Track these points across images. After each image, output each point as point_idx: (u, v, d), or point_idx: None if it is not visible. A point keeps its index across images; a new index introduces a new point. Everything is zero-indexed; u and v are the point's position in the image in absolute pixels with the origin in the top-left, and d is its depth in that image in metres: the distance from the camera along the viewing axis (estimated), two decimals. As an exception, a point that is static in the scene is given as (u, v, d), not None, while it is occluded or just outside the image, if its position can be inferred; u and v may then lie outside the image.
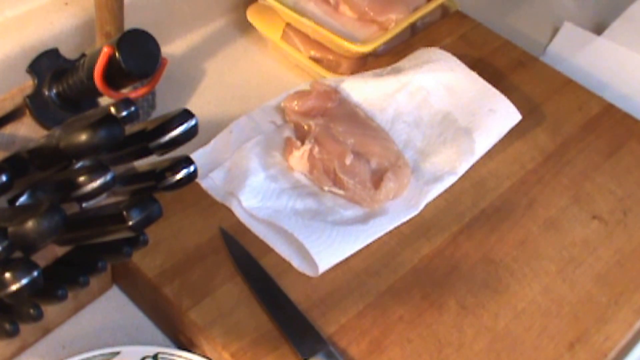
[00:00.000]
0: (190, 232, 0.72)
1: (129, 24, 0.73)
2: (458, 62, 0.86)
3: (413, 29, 0.95)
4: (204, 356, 0.66)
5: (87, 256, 0.57)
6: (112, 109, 0.51)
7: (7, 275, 0.45)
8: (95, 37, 0.80)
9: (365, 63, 0.90)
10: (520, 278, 0.72)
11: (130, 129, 0.54)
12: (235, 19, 0.99)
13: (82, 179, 0.48)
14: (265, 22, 0.94)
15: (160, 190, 0.54)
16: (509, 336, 0.68)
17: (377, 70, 0.87)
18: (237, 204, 0.73)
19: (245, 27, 0.97)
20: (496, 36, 0.96)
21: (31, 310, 0.52)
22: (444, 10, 0.99)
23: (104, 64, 0.51)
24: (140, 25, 0.55)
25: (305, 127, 0.79)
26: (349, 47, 0.86)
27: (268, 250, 0.71)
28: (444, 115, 0.83)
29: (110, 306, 0.71)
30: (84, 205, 0.55)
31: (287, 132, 0.80)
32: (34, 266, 0.45)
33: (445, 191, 0.78)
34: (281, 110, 0.82)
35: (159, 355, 0.66)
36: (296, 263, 0.70)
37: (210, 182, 0.75)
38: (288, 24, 0.91)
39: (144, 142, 0.53)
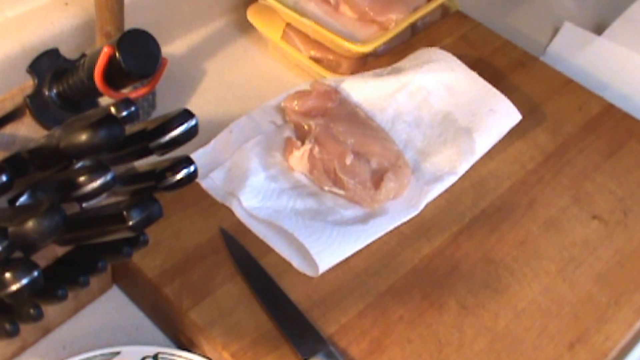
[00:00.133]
0: (190, 232, 0.72)
1: (129, 24, 0.73)
2: (458, 62, 0.86)
3: (413, 29, 0.95)
4: (204, 356, 0.66)
5: (87, 256, 0.57)
6: (112, 109, 0.51)
7: (7, 275, 0.45)
8: (95, 37, 0.80)
9: (365, 63, 0.90)
10: (521, 278, 0.72)
11: (130, 129, 0.54)
12: (236, 19, 0.99)
13: (82, 179, 0.48)
14: (266, 22, 0.94)
15: (161, 190, 0.54)
16: (509, 336, 0.68)
17: (378, 70, 0.87)
18: (238, 204, 0.73)
19: (245, 27, 0.97)
20: (496, 36, 0.96)
21: (31, 310, 0.52)
22: (444, 10, 0.99)
23: (104, 64, 0.51)
24: (140, 25, 0.55)
25: (306, 127, 0.79)
26: (349, 47, 0.86)
27: (268, 250, 0.71)
28: (444, 115, 0.83)
29: (110, 306, 0.71)
30: (84, 205, 0.55)
31: (287, 132, 0.80)
32: (34, 266, 0.45)
33: (446, 191, 0.78)
34: (281, 110, 0.82)
35: (159, 355, 0.66)
36: (296, 263, 0.70)
37: (211, 182, 0.75)
38: (288, 24, 0.91)
39: (144, 142, 0.53)
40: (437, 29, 0.96)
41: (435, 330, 0.68)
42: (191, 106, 0.66)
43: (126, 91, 0.54)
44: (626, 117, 0.88)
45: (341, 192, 0.75)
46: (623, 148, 0.84)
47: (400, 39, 0.92)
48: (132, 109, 0.52)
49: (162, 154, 0.54)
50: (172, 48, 0.94)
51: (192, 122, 0.53)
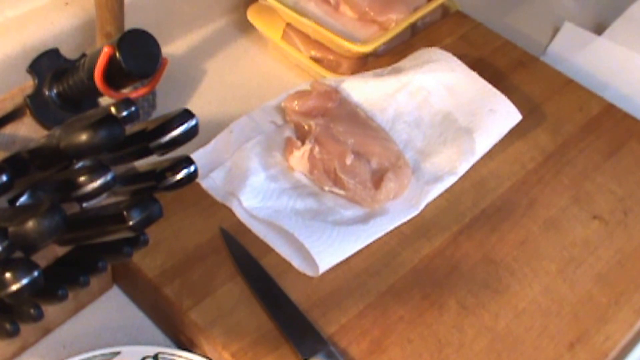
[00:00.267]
0: (190, 232, 0.72)
1: (130, 24, 0.73)
2: (458, 62, 0.86)
3: (413, 29, 0.95)
4: (204, 356, 0.66)
5: (88, 256, 0.57)
6: (113, 109, 0.51)
7: (8, 275, 0.45)
8: (95, 37, 0.80)
9: (365, 63, 0.90)
10: (521, 278, 0.72)
11: (130, 129, 0.54)
12: (236, 19, 0.99)
13: (82, 179, 0.48)
14: (266, 22, 0.94)
15: (161, 190, 0.54)
16: (510, 336, 0.68)
17: (378, 70, 0.87)
18: (238, 204, 0.73)
19: (245, 27, 0.97)
20: (496, 36, 0.96)
21: (32, 310, 0.52)
22: (444, 10, 0.99)
23: (104, 64, 0.51)
24: (140, 25, 0.55)
25: (306, 127, 0.79)
26: (350, 47, 0.86)
27: (268, 250, 0.71)
28: (445, 115, 0.83)
29: (110, 306, 0.71)
30: (84, 205, 0.55)
31: (288, 132, 0.80)
32: (35, 266, 0.45)
33: (446, 191, 0.78)
34: (281, 110, 0.82)
35: (160, 355, 0.66)
36: (296, 263, 0.70)
37: (211, 182, 0.75)
38: (288, 24, 0.91)
39: (145, 142, 0.53)
40: (437, 29, 0.96)
41: (435, 330, 0.68)
42: (191, 106, 0.66)
43: (126, 91, 0.54)
44: (626, 117, 0.88)
45: (341, 192, 0.75)
46: (623, 148, 0.84)
47: (401, 39, 0.92)
48: (132, 109, 0.52)
49: (162, 154, 0.54)
50: (172, 48, 0.94)
51: (192, 122, 0.53)
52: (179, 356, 0.66)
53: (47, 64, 0.57)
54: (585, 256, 0.74)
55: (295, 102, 0.81)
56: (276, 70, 0.95)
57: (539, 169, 0.81)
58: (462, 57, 0.87)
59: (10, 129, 0.57)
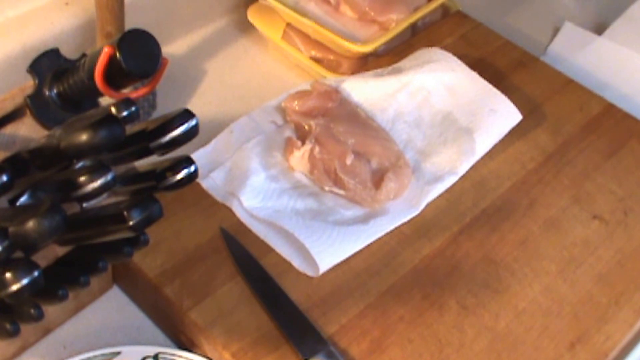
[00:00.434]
0: (190, 232, 0.72)
1: (130, 24, 0.73)
2: (459, 62, 0.86)
3: (414, 29, 0.95)
4: (204, 356, 0.66)
5: (88, 256, 0.57)
6: (113, 109, 0.51)
7: (8, 275, 0.45)
8: (95, 37, 0.80)
9: (366, 63, 0.90)
10: (521, 278, 0.72)
11: (130, 129, 0.54)
12: (236, 19, 0.99)
13: (82, 179, 0.48)
14: (266, 22, 0.94)
15: (161, 190, 0.54)
16: (510, 336, 0.68)
17: (378, 70, 0.87)
18: (238, 204, 0.73)
19: (245, 27, 0.97)
20: (497, 36, 0.96)
21: (32, 311, 0.52)
22: (444, 10, 0.99)
23: (104, 64, 0.51)
24: (141, 25, 0.55)
25: (306, 127, 0.79)
26: (350, 47, 0.86)
27: (269, 250, 0.71)
28: (445, 115, 0.83)
29: (110, 306, 0.71)
30: (84, 205, 0.55)
31: (288, 132, 0.80)
32: (35, 266, 0.45)
33: (446, 191, 0.78)
34: (282, 110, 0.82)
35: (160, 355, 0.66)
36: (297, 263, 0.70)
37: (211, 182, 0.75)
38: (289, 24, 0.91)
39: (145, 142, 0.53)
40: (438, 29, 0.96)
41: (435, 330, 0.68)
42: (191, 106, 0.66)
43: (127, 91, 0.54)
44: (627, 117, 0.88)
45: (342, 192, 0.75)
46: (623, 148, 0.84)
47: (401, 39, 0.92)
48: (133, 109, 0.52)
49: (163, 154, 0.54)
50: (172, 48, 0.94)
51: (193, 122, 0.53)
52: (179, 356, 0.66)
53: (48, 64, 0.57)
54: (585, 256, 0.74)
55: (296, 102, 0.81)
56: (276, 70, 0.95)
57: (539, 169, 0.81)
58: (463, 57, 0.87)
59: (10, 129, 0.57)
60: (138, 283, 0.70)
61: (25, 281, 0.45)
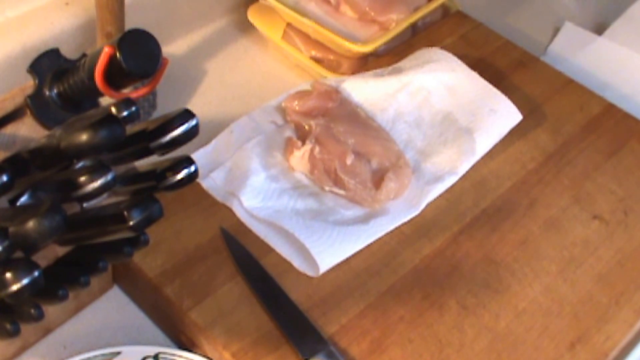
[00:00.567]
0: (191, 232, 0.72)
1: (130, 24, 0.73)
2: (459, 62, 0.86)
3: (414, 29, 0.95)
4: (204, 356, 0.66)
5: (88, 256, 0.57)
6: (113, 109, 0.51)
7: (8, 275, 0.45)
8: (96, 37, 0.80)
9: (366, 63, 0.90)
10: (521, 278, 0.72)
11: (131, 129, 0.54)
12: (236, 19, 0.99)
13: (83, 179, 0.48)
14: (266, 22, 0.94)
15: (161, 190, 0.54)
16: (510, 336, 0.68)
17: (378, 70, 0.87)
18: (238, 204, 0.73)
19: (246, 27, 0.97)
20: (497, 36, 0.96)
21: (32, 310, 0.52)
22: (444, 10, 0.99)
23: (104, 64, 0.51)
24: (141, 25, 0.55)
25: (306, 127, 0.79)
26: (350, 47, 0.86)
27: (269, 250, 0.71)
28: (445, 115, 0.83)
29: (111, 306, 0.71)
30: (84, 205, 0.55)
31: (288, 132, 0.80)
32: (35, 266, 0.45)
33: (446, 191, 0.78)
34: (282, 110, 0.82)
35: (160, 355, 0.66)
36: (297, 263, 0.70)
37: (211, 182, 0.75)
38: (289, 24, 0.91)
39: (145, 142, 0.53)
40: (438, 29, 0.96)
41: (435, 330, 0.68)
42: (192, 106, 0.66)
43: (127, 91, 0.54)
44: (627, 117, 0.88)
45: (342, 192, 0.75)
46: (624, 148, 0.84)
47: (401, 39, 0.92)
48: (133, 109, 0.52)
49: (163, 154, 0.54)
50: (172, 48, 0.94)
51: (193, 122, 0.53)
52: (180, 356, 0.66)
53: (48, 64, 0.57)
54: (585, 256, 0.74)
55: (296, 102, 0.81)
56: (276, 70, 0.95)
57: (540, 169, 0.81)
58: (463, 57, 0.87)
59: (10, 129, 0.57)
60: (138, 283, 0.70)
61: (25, 281, 0.45)
